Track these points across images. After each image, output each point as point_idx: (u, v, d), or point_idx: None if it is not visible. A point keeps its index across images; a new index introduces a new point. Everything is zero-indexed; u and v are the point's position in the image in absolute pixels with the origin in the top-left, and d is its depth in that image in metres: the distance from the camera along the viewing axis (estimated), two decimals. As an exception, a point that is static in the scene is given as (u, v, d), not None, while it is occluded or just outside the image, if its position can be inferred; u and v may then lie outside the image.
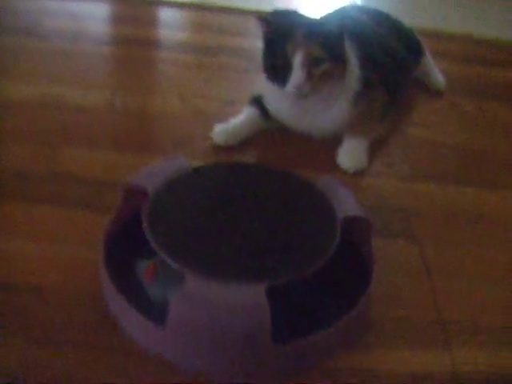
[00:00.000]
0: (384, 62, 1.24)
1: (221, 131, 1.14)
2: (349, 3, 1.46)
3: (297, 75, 1.06)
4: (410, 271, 0.91)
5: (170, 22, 1.70)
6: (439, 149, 1.22)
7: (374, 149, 1.17)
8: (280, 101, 1.15)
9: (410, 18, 1.44)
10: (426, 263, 0.92)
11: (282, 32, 1.08)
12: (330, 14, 1.18)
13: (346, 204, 0.86)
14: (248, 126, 1.17)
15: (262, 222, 0.82)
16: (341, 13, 1.26)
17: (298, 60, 1.05)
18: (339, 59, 1.10)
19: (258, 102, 1.19)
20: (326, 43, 1.07)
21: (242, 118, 1.17)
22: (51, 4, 1.64)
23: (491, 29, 1.82)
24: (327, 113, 1.14)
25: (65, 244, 0.88)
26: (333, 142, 1.16)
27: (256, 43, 1.51)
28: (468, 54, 1.65)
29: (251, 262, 0.75)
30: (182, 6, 1.76)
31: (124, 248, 0.83)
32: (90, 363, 0.72)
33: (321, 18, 1.11)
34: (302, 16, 1.13)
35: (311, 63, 1.06)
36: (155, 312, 0.73)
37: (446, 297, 0.87)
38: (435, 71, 1.44)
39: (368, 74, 1.17)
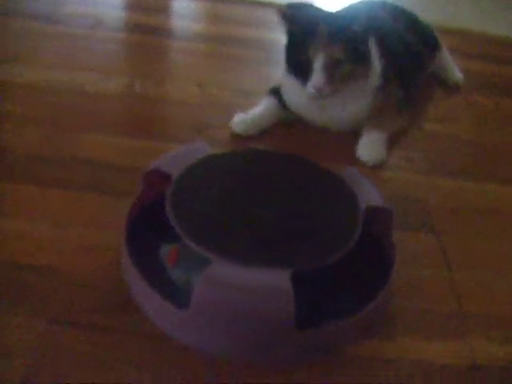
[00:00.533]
0: (401, 57, 1.23)
1: (240, 121, 1.14)
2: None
3: (317, 78, 1.04)
4: (430, 264, 0.90)
5: (185, 13, 1.70)
6: (456, 144, 1.22)
7: (393, 142, 1.17)
8: (298, 94, 1.15)
9: (420, 12, 1.43)
10: (446, 256, 0.92)
11: (304, 29, 1.06)
12: (351, 7, 1.17)
13: (369, 194, 0.85)
14: (267, 117, 1.16)
15: (284, 208, 0.81)
16: (359, 7, 1.25)
17: (319, 62, 1.04)
18: (363, 60, 1.09)
19: (276, 92, 1.19)
20: (349, 44, 1.05)
21: (261, 108, 1.17)
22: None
23: (501, 27, 1.82)
24: (347, 108, 1.14)
25: (81, 228, 0.88)
26: (351, 133, 1.16)
27: (270, 34, 1.52)
28: (481, 52, 1.65)
29: (275, 248, 0.75)
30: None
31: (145, 232, 0.83)
32: (111, 346, 0.71)
33: (344, 12, 1.09)
34: (322, 11, 1.11)
35: (333, 65, 1.05)
36: (177, 296, 0.73)
37: (466, 289, 0.87)
38: (452, 66, 1.43)
39: (387, 68, 1.17)
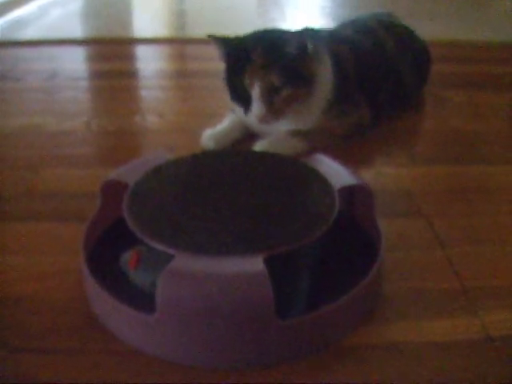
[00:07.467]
0: (374, 78, 1.17)
1: (209, 136, 1.09)
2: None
3: (257, 107, 1.00)
4: (421, 245, 0.84)
5: (145, 56, 1.71)
6: (434, 135, 1.20)
7: (371, 139, 1.14)
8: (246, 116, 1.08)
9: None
10: (437, 235, 0.85)
11: (239, 57, 1.02)
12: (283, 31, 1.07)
13: (341, 175, 0.79)
14: (234, 130, 1.13)
15: (252, 198, 0.75)
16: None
17: (256, 92, 1.00)
18: (302, 80, 1.02)
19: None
20: (285, 69, 0.99)
21: (226, 122, 1.14)
22: (26, 50, 1.64)
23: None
24: (294, 124, 1.08)
25: (45, 255, 0.81)
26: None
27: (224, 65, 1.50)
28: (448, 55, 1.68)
29: (245, 236, 0.67)
30: (153, 41, 1.79)
31: (107, 245, 0.78)
32: (78, 368, 0.63)
33: (277, 34, 1.03)
34: (256, 34, 1.05)
35: (272, 92, 1.00)
36: (145, 304, 0.65)
37: (464, 264, 0.79)
38: None
39: (345, 86, 1.10)
